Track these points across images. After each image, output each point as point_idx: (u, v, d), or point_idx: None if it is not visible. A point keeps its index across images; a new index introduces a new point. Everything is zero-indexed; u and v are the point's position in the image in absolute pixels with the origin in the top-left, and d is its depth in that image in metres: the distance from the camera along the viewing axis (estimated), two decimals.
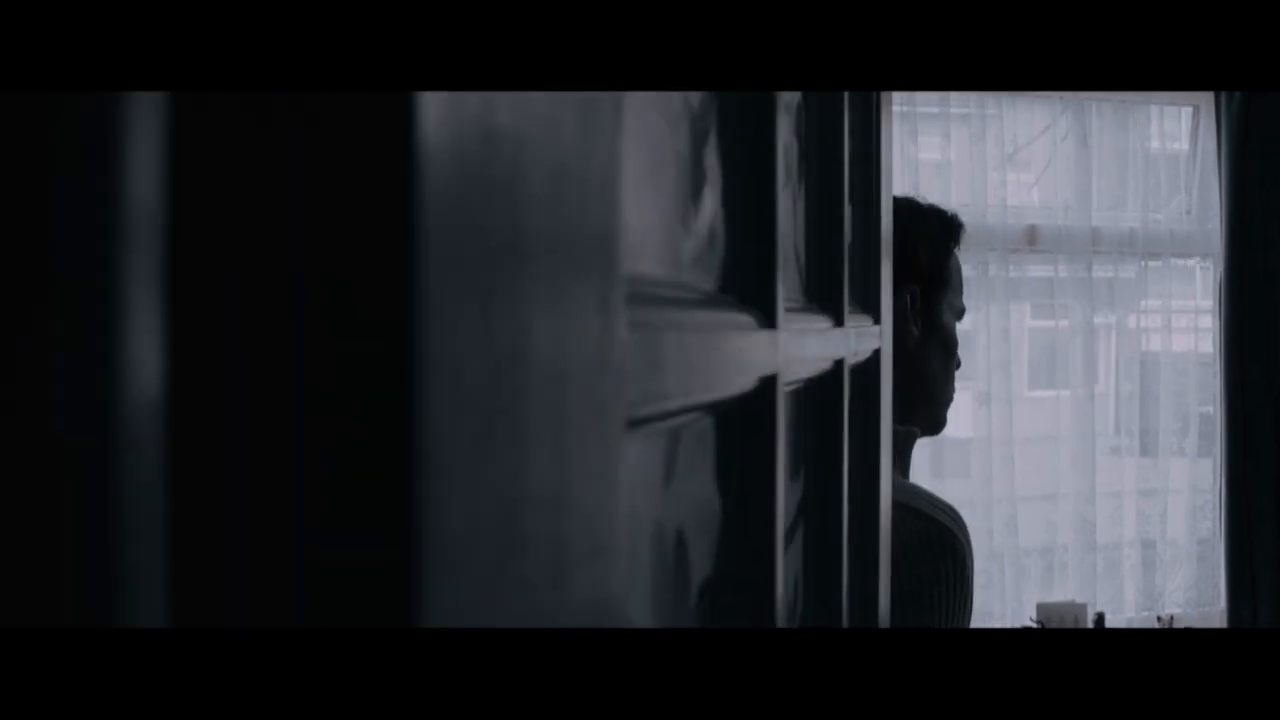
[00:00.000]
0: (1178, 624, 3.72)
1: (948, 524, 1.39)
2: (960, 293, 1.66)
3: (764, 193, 0.54)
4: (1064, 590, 3.73)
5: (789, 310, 0.71)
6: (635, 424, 0.34)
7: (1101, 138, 3.76)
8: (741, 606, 0.54)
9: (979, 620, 3.62)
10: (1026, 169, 3.80)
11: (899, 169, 3.56)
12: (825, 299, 0.79)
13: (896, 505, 1.39)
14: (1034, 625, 3.57)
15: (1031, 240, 3.72)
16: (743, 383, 0.51)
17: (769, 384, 0.54)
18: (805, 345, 0.66)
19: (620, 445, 0.30)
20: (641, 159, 0.42)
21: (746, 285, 0.53)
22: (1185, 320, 3.87)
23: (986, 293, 3.65)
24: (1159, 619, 3.75)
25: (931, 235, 1.61)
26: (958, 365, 1.66)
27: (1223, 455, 3.70)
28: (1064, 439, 3.74)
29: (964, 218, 3.59)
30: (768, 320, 0.54)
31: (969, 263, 3.63)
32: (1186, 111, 3.83)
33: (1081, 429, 3.71)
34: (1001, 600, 3.67)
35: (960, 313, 1.65)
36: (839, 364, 0.79)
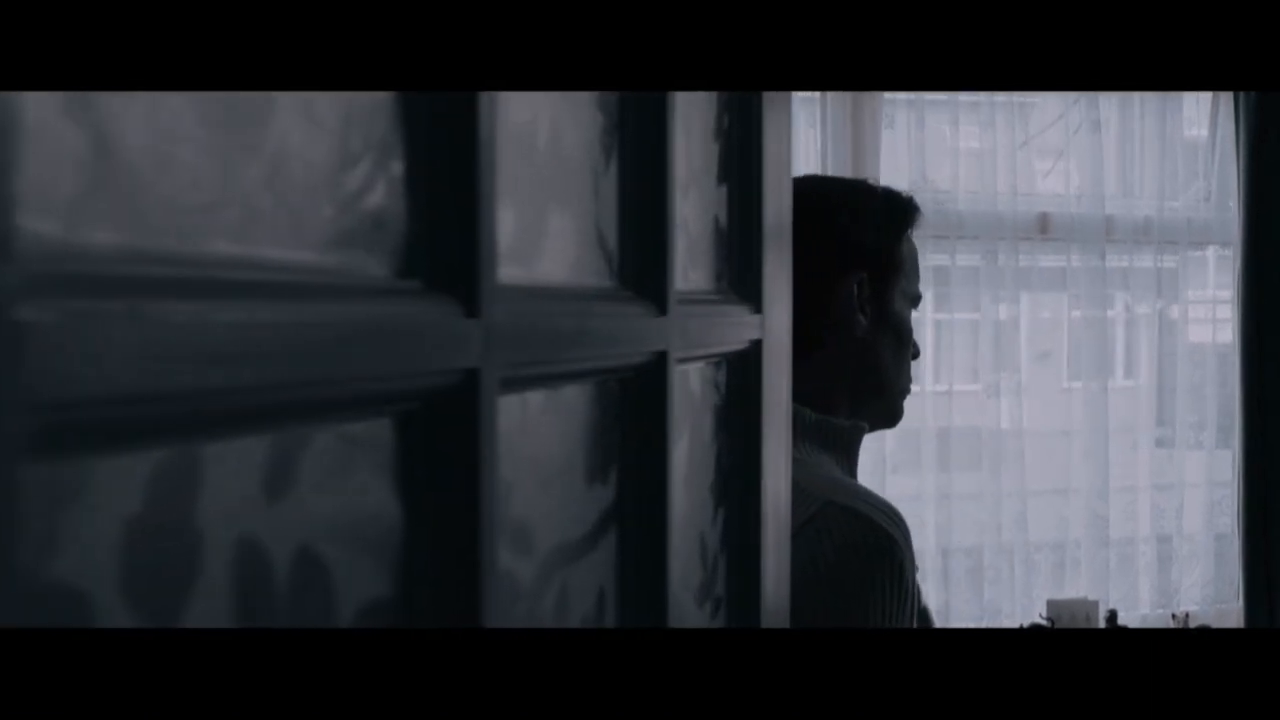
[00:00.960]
0: (1193, 622, 3.63)
1: (884, 525, 1.33)
2: (916, 279, 1.58)
3: (462, 170, 0.48)
4: (1076, 587, 3.65)
5: (568, 297, 0.66)
6: (55, 431, 0.30)
7: (1116, 123, 3.67)
8: (441, 613, 0.49)
9: (989, 617, 3.55)
10: (1039, 156, 3.72)
11: (906, 155, 3.49)
12: (643, 287, 0.73)
13: (831, 504, 1.33)
14: (1044, 623, 3.49)
15: (1043, 229, 3.64)
16: (417, 377, 0.46)
17: (469, 377, 0.49)
18: (558, 334, 0.61)
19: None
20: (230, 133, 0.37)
21: (438, 270, 0.48)
22: (1203, 310, 3.78)
23: (996, 282, 3.57)
24: (1174, 616, 3.66)
25: (880, 219, 1.53)
26: (916, 355, 1.59)
27: (1240, 448, 3.61)
28: (1076, 432, 3.66)
29: (974, 206, 3.52)
30: (468, 308, 0.49)
31: (977, 252, 3.55)
32: (1205, 96, 3.73)
33: (1095, 421, 3.63)
34: (1011, 597, 3.59)
35: (915, 300, 1.57)
36: (661, 356, 0.74)
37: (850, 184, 1.57)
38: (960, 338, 3.67)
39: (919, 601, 1.37)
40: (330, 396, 0.42)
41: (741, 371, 0.99)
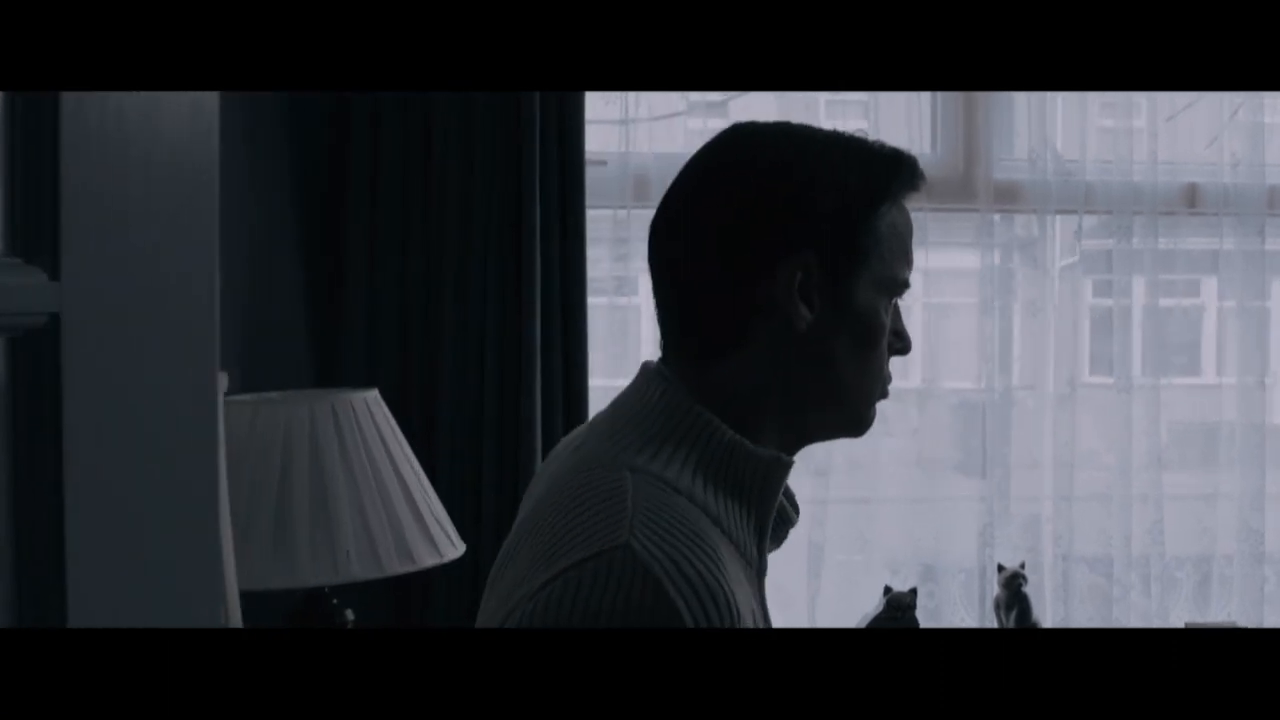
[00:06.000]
0: None
1: (671, 593, 0.99)
2: (899, 263, 1.20)
3: None
4: (1224, 609, 3.22)
5: None
6: None
7: None
8: None
9: None
10: (1187, 115, 3.28)
11: (1025, 117, 3.15)
12: None
13: (626, 549, 1.02)
14: None
15: (1190, 201, 3.21)
16: None
17: None
18: None
19: None
20: None
21: None
22: None
23: (1130, 264, 3.18)
24: None
25: (843, 189, 1.16)
26: (903, 350, 1.24)
27: None
28: (1225, 432, 3.22)
29: (1107, 175, 3.12)
30: None
31: (1112, 233, 3.17)
32: None
33: (1249, 420, 3.18)
34: (1146, 618, 3.19)
35: (892, 287, 1.20)
36: None
37: (818, 138, 1.20)
38: (1091, 325, 3.30)
39: None
40: None
41: (33, 350, 0.84)
